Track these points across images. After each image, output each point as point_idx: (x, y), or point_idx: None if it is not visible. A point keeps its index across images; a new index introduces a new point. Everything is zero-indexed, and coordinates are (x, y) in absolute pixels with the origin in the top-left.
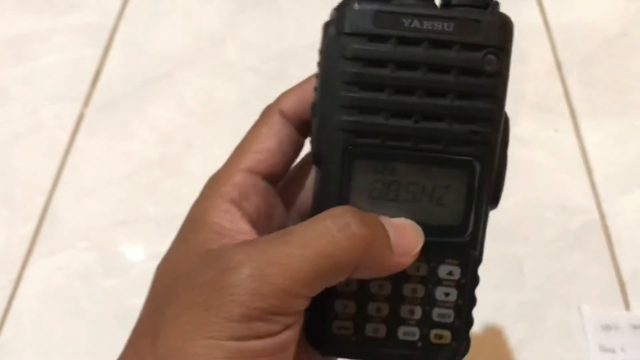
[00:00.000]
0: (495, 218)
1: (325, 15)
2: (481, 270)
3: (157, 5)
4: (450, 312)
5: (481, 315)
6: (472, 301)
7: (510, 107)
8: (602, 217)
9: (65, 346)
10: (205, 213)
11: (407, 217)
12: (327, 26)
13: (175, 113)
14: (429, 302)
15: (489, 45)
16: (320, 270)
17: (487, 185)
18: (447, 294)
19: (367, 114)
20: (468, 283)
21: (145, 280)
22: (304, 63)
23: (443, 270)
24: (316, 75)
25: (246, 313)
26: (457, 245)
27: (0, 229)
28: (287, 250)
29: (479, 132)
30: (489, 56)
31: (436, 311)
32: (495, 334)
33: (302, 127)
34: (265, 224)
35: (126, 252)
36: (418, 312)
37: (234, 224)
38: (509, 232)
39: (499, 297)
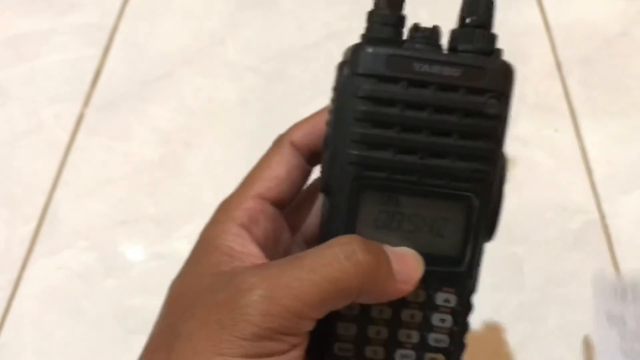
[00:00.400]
0: None
1: (325, 15)
2: (481, 270)
3: (157, 5)
4: (445, 337)
5: (481, 315)
6: (465, 327)
7: None
8: (602, 217)
9: (65, 346)
10: (217, 236)
11: (409, 246)
12: (341, 66)
13: (175, 113)
14: (425, 327)
15: (491, 90)
16: (327, 294)
17: (484, 220)
18: (443, 320)
19: (376, 149)
20: (463, 310)
21: (145, 280)
22: (303, 63)
23: (440, 298)
24: (329, 111)
25: (257, 332)
26: (454, 274)
27: (0, 229)
28: (297, 274)
29: (479, 170)
30: (491, 100)
31: (432, 336)
32: (495, 334)
33: (310, 157)
34: (273, 248)
35: (126, 252)
36: (415, 337)
37: (244, 247)
38: (509, 232)
39: (498, 297)
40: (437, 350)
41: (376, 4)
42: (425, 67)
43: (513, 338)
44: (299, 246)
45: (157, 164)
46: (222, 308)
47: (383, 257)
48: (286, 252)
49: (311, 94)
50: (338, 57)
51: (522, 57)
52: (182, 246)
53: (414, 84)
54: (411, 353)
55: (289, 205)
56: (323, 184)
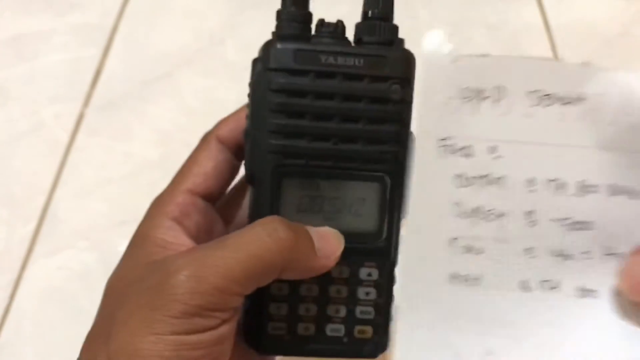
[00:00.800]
0: None
1: (325, 15)
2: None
3: (157, 5)
4: (371, 309)
5: None
6: (389, 299)
7: None
8: None
9: (65, 346)
10: (150, 230)
11: (330, 226)
12: (255, 62)
13: (175, 113)
14: (352, 301)
15: (393, 77)
16: (251, 270)
17: (398, 196)
18: (367, 293)
19: (292, 138)
20: (385, 283)
21: None
22: None
23: (363, 272)
24: (247, 105)
25: (186, 310)
26: (374, 249)
27: (0, 229)
28: (221, 253)
29: (389, 152)
30: (394, 86)
31: (359, 309)
32: None
33: (237, 151)
34: (205, 239)
35: None
36: (343, 311)
37: (176, 239)
38: None
39: None
40: (364, 322)
41: (283, 3)
42: (331, 59)
43: None
44: None
45: (157, 164)
46: (152, 291)
47: (304, 233)
48: None
49: None
50: None
51: None
52: None
53: (321, 75)
54: (340, 327)
55: (219, 198)
56: (247, 174)
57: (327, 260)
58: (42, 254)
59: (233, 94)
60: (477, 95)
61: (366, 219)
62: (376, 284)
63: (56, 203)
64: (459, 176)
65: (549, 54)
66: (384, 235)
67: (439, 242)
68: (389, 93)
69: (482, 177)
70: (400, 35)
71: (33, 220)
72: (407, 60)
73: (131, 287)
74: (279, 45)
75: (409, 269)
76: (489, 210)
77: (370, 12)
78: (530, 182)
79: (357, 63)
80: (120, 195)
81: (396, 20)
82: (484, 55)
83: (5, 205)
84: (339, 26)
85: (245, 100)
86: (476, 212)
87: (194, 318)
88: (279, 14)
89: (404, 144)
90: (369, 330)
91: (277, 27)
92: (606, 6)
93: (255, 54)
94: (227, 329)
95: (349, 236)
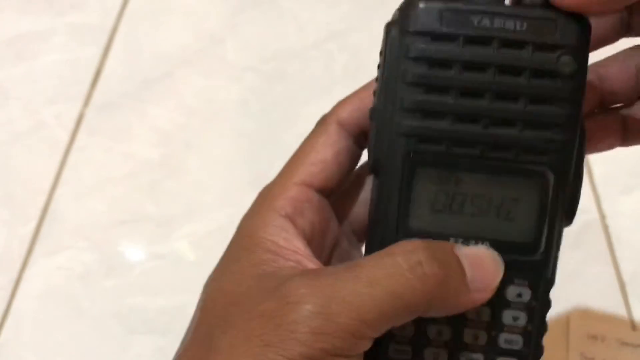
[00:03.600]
0: None
1: (325, 15)
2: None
3: (157, 5)
4: (519, 337)
5: None
6: (542, 327)
7: None
8: (602, 217)
9: (65, 346)
10: (259, 229)
11: (472, 232)
12: (389, 27)
13: (175, 113)
14: (495, 326)
15: (564, 46)
16: (388, 311)
17: (562, 199)
18: (515, 318)
19: (431, 119)
20: (539, 306)
21: (145, 280)
22: (304, 63)
23: (512, 292)
24: (376, 79)
25: (307, 353)
26: (528, 264)
27: (0, 229)
28: (354, 287)
29: (554, 140)
30: (564, 57)
31: (503, 337)
32: None
33: (360, 137)
34: (319, 241)
35: (126, 252)
36: (483, 338)
37: (288, 242)
38: None
39: None
40: (509, 353)
41: None
42: (485, 22)
43: None
44: (347, 238)
45: (157, 164)
46: (267, 322)
47: (454, 264)
48: (334, 245)
49: (311, 94)
50: (338, 57)
51: None
52: (182, 246)
53: (472, 41)
54: (479, 357)
55: (336, 192)
56: (371, 162)
57: (481, 294)
58: (42, 254)
59: (233, 94)
60: None
61: (520, 226)
62: (527, 307)
63: (56, 203)
64: None
65: None
66: (542, 247)
67: None
68: (558, 65)
69: None
70: None
71: (33, 220)
72: (582, 26)
73: (238, 306)
74: (422, 5)
75: None
76: None
77: None
78: None
79: (518, 27)
80: (120, 195)
81: None
82: None
83: (5, 205)
84: None
85: (246, 100)
86: None
87: None
88: None
89: (573, 132)
90: None
91: None
92: None
93: (255, 54)
94: None
95: (496, 246)
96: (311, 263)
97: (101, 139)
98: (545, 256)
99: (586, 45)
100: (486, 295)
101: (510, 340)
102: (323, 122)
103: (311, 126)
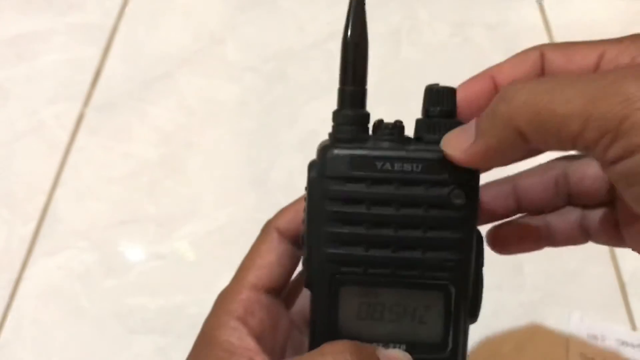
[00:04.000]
0: None
1: (325, 15)
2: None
3: (157, 5)
4: None
5: (481, 315)
6: None
7: None
8: None
9: (65, 346)
10: (215, 330)
11: (391, 335)
12: (311, 166)
13: (175, 113)
14: None
15: (455, 181)
16: None
17: (464, 304)
18: None
19: (349, 246)
20: None
21: (145, 280)
22: (304, 63)
23: None
24: (304, 209)
25: None
26: None
27: (0, 229)
28: None
29: (451, 260)
30: (455, 191)
31: None
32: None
33: (297, 241)
34: (270, 337)
35: (126, 252)
36: None
37: (241, 341)
38: None
39: (499, 297)
40: None
41: (340, 104)
42: (387, 165)
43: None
44: (299, 327)
45: (157, 164)
46: None
47: None
48: (287, 336)
49: (311, 94)
50: (338, 57)
51: None
52: (182, 246)
53: (377, 182)
54: None
55: (283, 290)
56: (305, 279)
57: None
58: (42, 254)
59: (233, 94)
60: None
61: (431, 328)
62: None
63: (56, 203)
64: None
65: None
66: (450, 345)
67: None
68: (450, 198)
69: None
70: (400, 35)
71: (33, 220)
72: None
73: None
74: (334, 151)
75: None
76: None
77: (431, 110)
78: None
79: (414, 168)
80: (120, 195)
81: (396, 20)
82: None
83: (5, 205)
84: (397, 126)
85: (246, 100)
86: None
87: None
88: (336, 115)
89: (467, 250)
90: None
91: (333, 129)
92: (606, 6)
93: (255, 54)
94: None
95: (411, 346)
96: (260, 358)
97: (101, 139)
98: (453, 353)
99: (475, 179)
100: None
101: None
102: (266, 229)
103: (311, 126)
